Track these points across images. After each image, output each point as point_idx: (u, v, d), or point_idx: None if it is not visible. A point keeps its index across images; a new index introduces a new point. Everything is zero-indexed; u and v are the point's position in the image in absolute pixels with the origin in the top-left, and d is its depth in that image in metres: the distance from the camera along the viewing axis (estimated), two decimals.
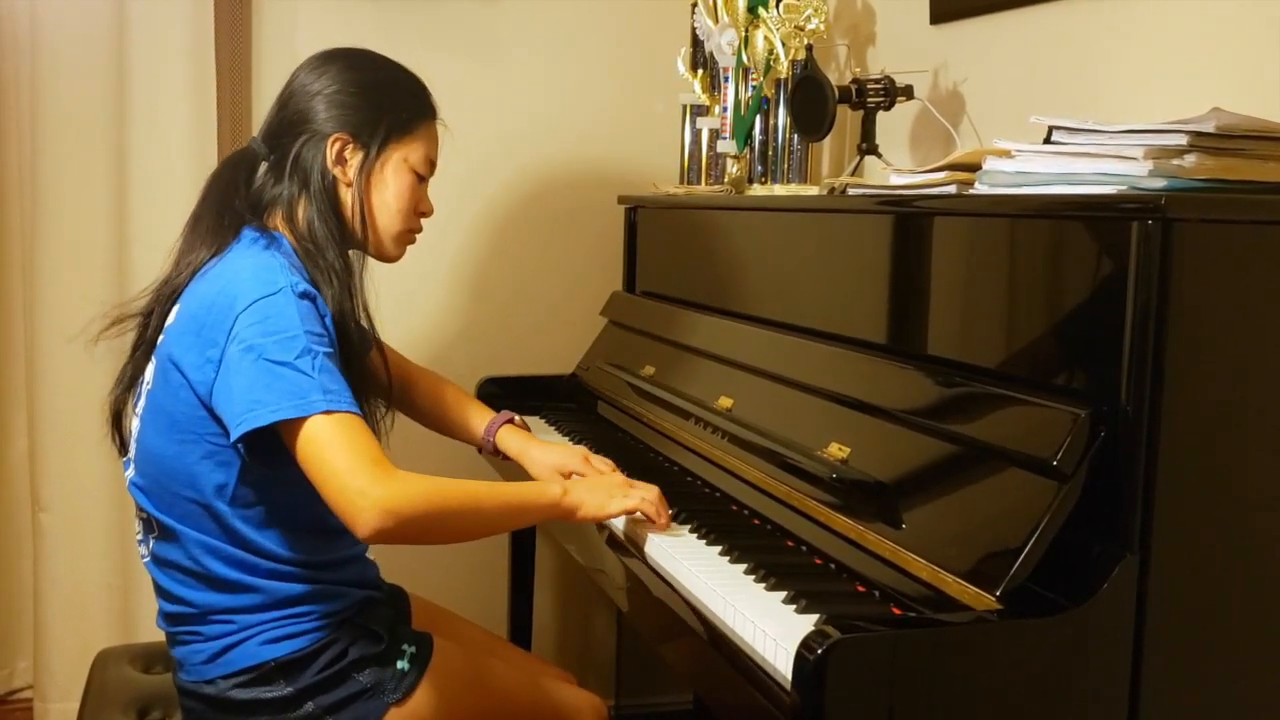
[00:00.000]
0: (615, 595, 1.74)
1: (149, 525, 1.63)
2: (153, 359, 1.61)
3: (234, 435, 1.45)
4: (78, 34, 2.54)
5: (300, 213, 1.63)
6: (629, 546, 1.66)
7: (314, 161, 1.63)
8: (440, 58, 2.73)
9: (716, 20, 2.32)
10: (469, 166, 2.64)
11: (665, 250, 2.45)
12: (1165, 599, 1.21)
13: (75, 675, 2.25)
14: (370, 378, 1.67)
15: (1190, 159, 1.25)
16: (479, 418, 1.97)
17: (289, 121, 1.66)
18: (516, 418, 1.98)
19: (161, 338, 1.60)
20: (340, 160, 1.64)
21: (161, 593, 1.63)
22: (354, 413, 1.46)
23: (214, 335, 1.49)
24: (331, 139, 1.63)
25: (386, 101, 1.68)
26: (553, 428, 2.30)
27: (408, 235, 1.72)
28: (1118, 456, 1.22)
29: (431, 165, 1.73)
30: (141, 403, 1.62)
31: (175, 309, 1.59)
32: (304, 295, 1.51)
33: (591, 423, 2.31)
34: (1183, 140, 1.25)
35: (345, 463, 1.41)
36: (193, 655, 1.60)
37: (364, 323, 1.66)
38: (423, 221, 1.75)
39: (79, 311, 2.59)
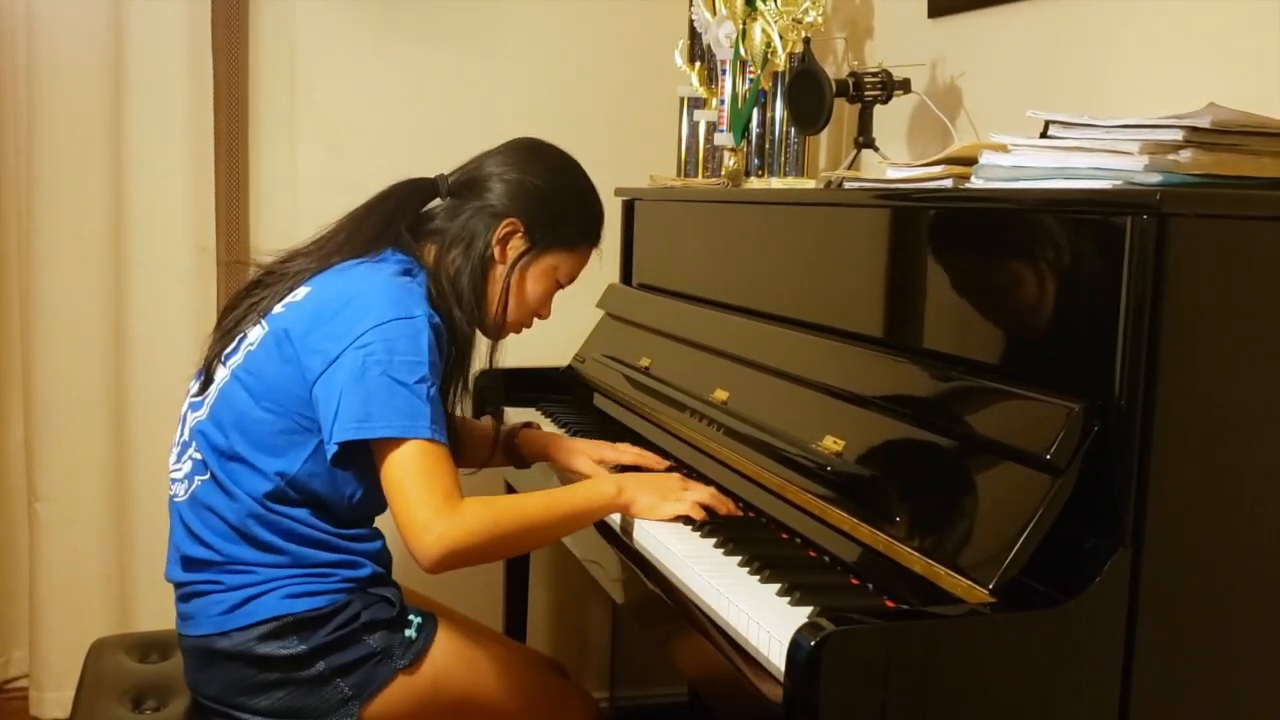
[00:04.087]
0: (610, 587, 1.74)
1: (202, 467, 1.65)
2: (263, 324, 1.64)
3: (339, 437, 1.52)
4: (75, 28, 2.54)
5: (450, 261, 1.71)
6: (623, 538, 1.66)
7: (483, 229, 1.72)
8: (438, 51, 2.73)
9: (714, 13, 2.32)
10: (466, 158, 2.64)
11: (662, 243, 2.45)
12: (1158, 593, 1.22)
13: (71, 664, 2.25)
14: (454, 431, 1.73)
15: (1186, 154, 1.25)
16: (490, 428, 2.04)
17: (479, 181, 1.75)
18: (531, 422, 2.05)
19: (280, 308, 1.64)
20: (503, 241, 1.73)
21: (189, 533, 1.65)
22: (446, 446, 1.54)
23: (338, 330, 1.56)
24: (506, 220, 1.72)
25: (568, 212, 1.78)
26: (549, 419, 2.30)
27: (519, 329, 1.82)
28: (1111, 451, 1.22)
29: (573, 280, 1.83)
30: (238, 358, 1.65)
31: (304, 289, 1.64)
32: (435, 327, 1.59)
33: (588, 415, 2.32)
34: (1178, 135, 1.25)
35: (420, 494, 1.50)
36: (211, 606, 1.62)
37: (469, 389, 1.75)
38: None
39: (75, 302, 2.62)
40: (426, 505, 1.49)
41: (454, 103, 2.75)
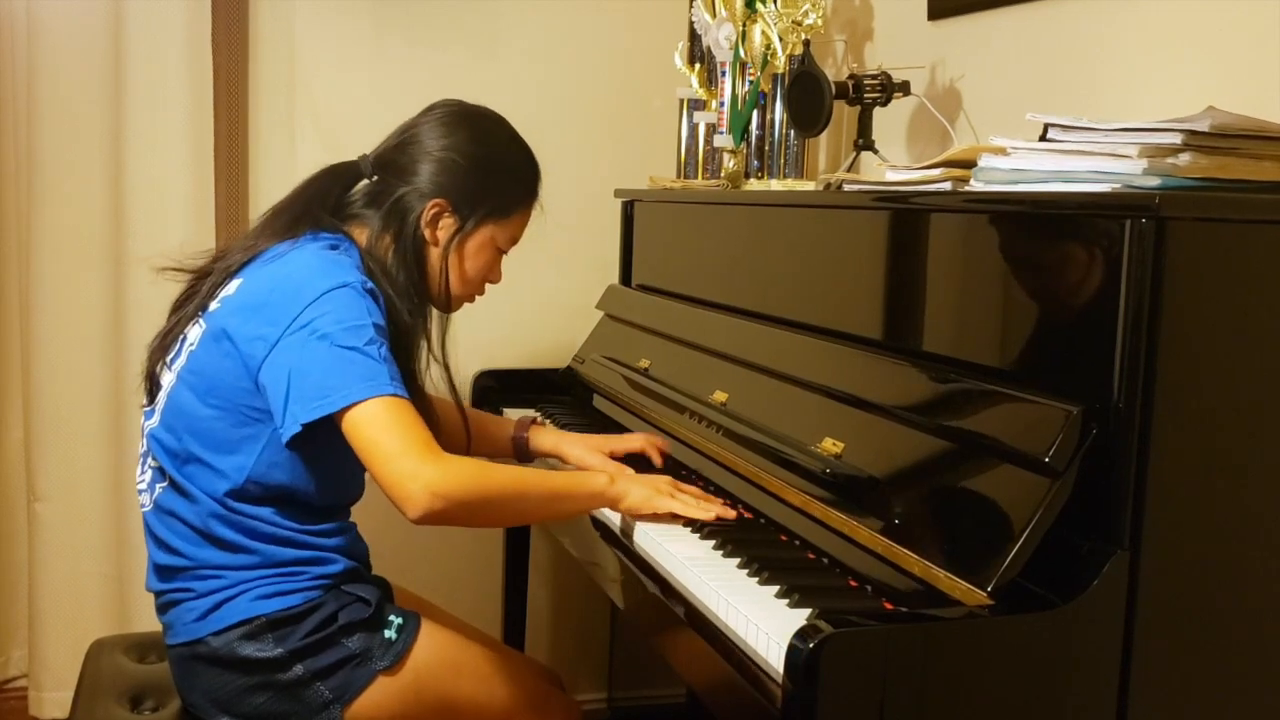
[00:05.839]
0: (609, 589, 1.75)
1: (160, 475, 1.65)
2: (201, 322, 1.64)
3: (304, 418, 1.49)
4: (75, 28, 2.54)
5: (382, 247, 1.69)
6: (623, 540, 1.66)
7: (410, 213, 1.70)
8: (437, 52, 2.73)
9: (714, 14, 2.33)
10: None
11: (661, 244, 2.45)
12: (1155, 595, 1.22)
13: (70, 664, 2.25)
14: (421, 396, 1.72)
15: (1184, 158, 1.26)
16: (503, 424, 2.04)
17: (401, 164, 1.73)
18: (539, 416, 2.01)
19: (216, 305, 1.64)
20: (433, 223, 1.71)
21: (158, 542, 1.66)
22: (410, 399, 1.52)
23: (275, 316, 1.54)
24: (431, 202, 1.69)
25: (495, 183, 1.75)
26: (549, 421, 2.30)
27: (470, 298, 1.80)
28: (1109, 453, 1.22)
29: (515, 243, 1.81)
30: (181, 361, 1.65)
31: (235, 282, 1.64)
32: (369, 291, 1.57)
33: (587, 416, 2.32)
34: (1177, 139, 1.26)
35: (398, 445, 1.47)
36: (184, 614, 1.62)
37: (439, 361, 1.75)
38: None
39: (74, 303, 2.62)
40: (409, 454, 1.46)
41: None
